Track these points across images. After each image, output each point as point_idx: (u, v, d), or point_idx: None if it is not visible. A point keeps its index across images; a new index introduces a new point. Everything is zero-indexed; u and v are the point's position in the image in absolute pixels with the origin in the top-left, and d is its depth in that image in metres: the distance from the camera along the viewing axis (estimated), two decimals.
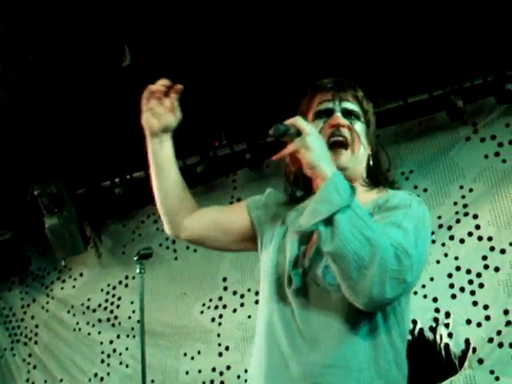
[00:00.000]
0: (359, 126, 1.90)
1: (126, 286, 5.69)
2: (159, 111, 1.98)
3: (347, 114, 1.89)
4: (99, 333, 5.67)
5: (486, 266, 4.43)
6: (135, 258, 3.93)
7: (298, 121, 1.70)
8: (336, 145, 1.85)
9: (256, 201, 2.05)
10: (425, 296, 4.52)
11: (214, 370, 5.09)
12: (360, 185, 1.89)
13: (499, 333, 4.26)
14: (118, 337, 5.60)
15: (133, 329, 5.45)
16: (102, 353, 5.61)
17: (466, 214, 4.60)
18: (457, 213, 4.62)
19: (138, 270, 3.86)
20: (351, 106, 1.91)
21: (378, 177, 1.94)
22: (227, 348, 5.03)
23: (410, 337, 4.44)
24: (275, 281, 1.83)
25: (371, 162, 1.94)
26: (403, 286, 1.62)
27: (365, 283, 1.56)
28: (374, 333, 1.71)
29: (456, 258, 4.54)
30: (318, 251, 1.74)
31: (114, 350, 5.57)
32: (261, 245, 1.97)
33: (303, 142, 1.66)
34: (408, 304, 1.83)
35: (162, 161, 2.01)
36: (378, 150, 1.99)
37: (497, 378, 4.20)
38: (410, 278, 1.61)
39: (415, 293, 4.52)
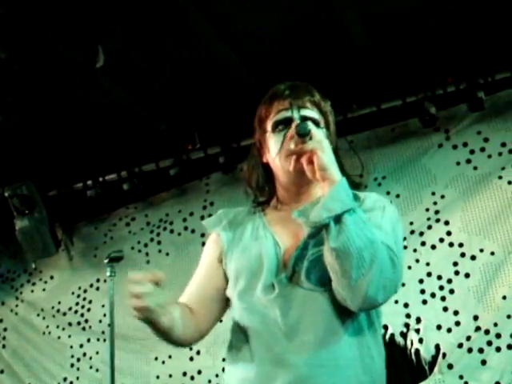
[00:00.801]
0: (320, 133, 1.88)
1: (98, 289, 5.63)
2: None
3: (305, 121, 1.88)
4: (69, 336, 5.61)
5: (457, 272, 4.47)
6: (106, 261, 3.90)
7: (310, 125, 1.78)
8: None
9: (225, 229, 1.98)
10: (396, 301, 4.54)
11: (184, 374, 5.06)
12: None
13: (469, 338, 4.30)
14: (89, 340, 5.54)
15: (103, 332, 5.40)
16: (72, 357, 5.55)
17: (438, 221, 4.63)
18: (428, 219, 4.66)
19: (108, 273, 3.84)
20: (309, 113, 1.89)
21: None
22: (198, 352, 5.00)
23: None
24: (253, 288, 1.83)
25: None
26: (394, 290, 1.72)
27: (362, 283, 1.63)
28: (359, 330, 1.77)
29: (427, 264, 4.57)
30: (299, 255, 1.79)
31: (84, 354, 5.52)
32: (225, 258, 1.94)
33: (320, 144, 1.73)
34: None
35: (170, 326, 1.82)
36: (338, 148, 1.99)
37: (466, 383, 4.24)
38: (400, 281, 1.72)
39: None
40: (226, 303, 1.95)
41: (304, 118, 1.86)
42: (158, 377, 5.16)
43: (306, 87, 1.94)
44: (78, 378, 5.47)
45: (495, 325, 4.26)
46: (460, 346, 4.31)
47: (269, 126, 1.91)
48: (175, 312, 1.81)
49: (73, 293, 5.72)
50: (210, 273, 1.96)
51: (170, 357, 5.13)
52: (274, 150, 1.88)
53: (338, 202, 1.66)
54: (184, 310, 1.88)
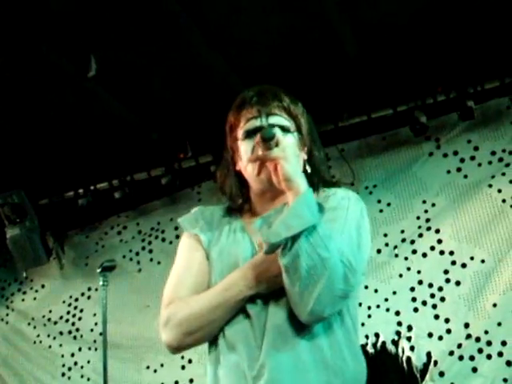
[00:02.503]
0: (289, 138, 1.87)
1: (89, 297, 5.61)
2: None
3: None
4: (60, 345, 5.58)
5: (448, 280, 4.48)
6: (98, 271, 3.90)
7: (277, 131, 1.78)
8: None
9: (203, 230, 1.95)
10: (387, 309, 4.56)
11: (176, 383, 5.05)
12: None
13: (460, 346, 4.31)
14: (80, 349, 5.51)
15: (95, 341, 5.38)
16: (63, 366, 5.51)
17: (429, 229, 4.65)
18: (419, 227, 4.68)
19: (101, 283, 3.83)
20: (278, 120, 1.88)
21: (313, 180, 1.92)
22: (190, 361, 4.99)
23: (372, 350, 4.48)
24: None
25: (307, 168, 1.93)
26: (344, 302, 1.71)
27: (307, 300, 1.64)
28: (330, 332, 1.75)
29: (418, 272, 4.58)
30: None
31: (76, 363, 5.48)
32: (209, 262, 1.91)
33: (284, 153, 1.73)
34: (358, 295, 1.88)
35: None
36: (312, 150, 1.97)
37: None
38: (353, 292, 1.72)
39: (378, 306, 4.57)
40: None
41: (273, 126, 1.84)
42: None
43: (274, 92, 1.92)
44: None
45: (486, 332, 4.27)
46: (451, 353, 4.32)
47: (239, 134, 1.91)
48: None
49: (64, 302, 5.69)
50: (204, 269, 1.89)
51: (161, 365, 5.12)
52: (245, 158, 1.88)
53: (298, 218, 1.65)
54: None
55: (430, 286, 4.52)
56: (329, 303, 1.65)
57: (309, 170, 1.92)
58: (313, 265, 1.63)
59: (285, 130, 1.87)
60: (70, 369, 5.48)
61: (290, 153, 1.74)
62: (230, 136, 1.96)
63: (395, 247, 4.68)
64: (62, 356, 5.54)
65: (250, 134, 1.87)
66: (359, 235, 1.79)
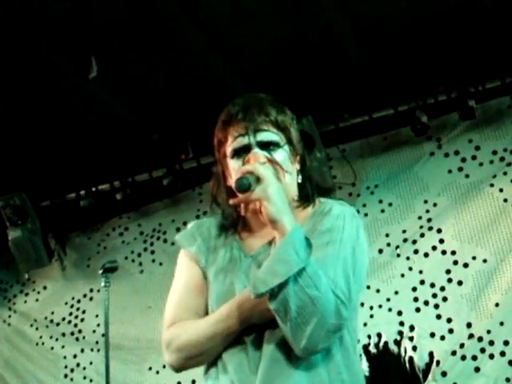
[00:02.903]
0: (280, 153, 1.82)
1: (91, 299, 5.62)
2: None
3: (264, 145, 1.81)
4: (63, 347, 5.58)
5: (450, 280, 4.49)
6: (100, 272, 3.89)
7: (257, 168, 1.69)
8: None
9: (201, 249, 1.91)
10: (389, 309, 4.56)
11: None
12: (293, 208, 1.80)
13: (462, 346, 4.32)
14: (82, 351, 5.51)
15: (97, 343, 5.38)
16: (66, 367, 5.51)
17: (430, 229, 4.65)
18: (421, 227, 4.67)
19: (102, 284, 3.83)
20: (266, 135, 1.81)
21: (307, 191, 1.88)
22: None
23: (374, 350, 4.48)
24: None
25: (299, 180, 1.88)
26: (338, 334, 1.68)
27: (300, 337, 1.61)
28: (329, 355, 1.71)
29: (420, 272, 4.58)
30: None
31: (78, 365, 5.49)
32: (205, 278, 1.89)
33: (265, 194, 1.65)
34: (357, 316, 1.84)
35: None
36: (305, 158, 1.93)
37: None
38: (345, 325, 1.68)
39: (380, 306, 4.57)
40: None
41: (261, 144, 1.80)
42: None
43: (260, 106, 1.84)
44: None
45: (488, 332, 4.27)
46: (453, 353, 4.32)
47: (228, 151, 1.84)
48: None
49: (66, 303, 5.70)
50: (202, 288, 1.86)
51: (164, 367, 5.10)
52: (235, 178, 1.79)
53: (285, 264, 1.59)
54: None
55: (432, 285, 4.52)
56: (322, 339, 1.62)
57: (299, 181, 1.87)
58: (303, 305, 1.59)
59: (273, 144, 1.82)
60: (72, 370, 5.48)
61: (274, 189, 1.66)
62: (219, 151, 1.89)
63: (397, 247, 4.68)
64: (65, 357, 5.55)
65: (238, 152, 1.82)
66: (355, 259, 1.74)
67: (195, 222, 2.00)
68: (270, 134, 1.82)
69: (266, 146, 1.81)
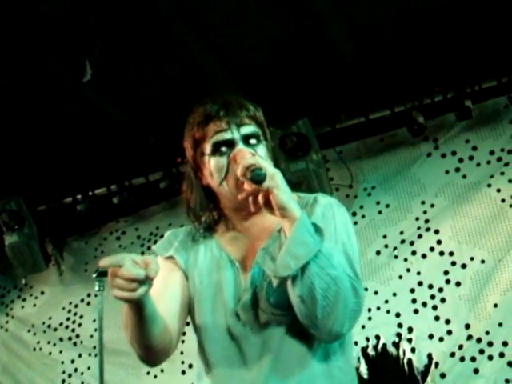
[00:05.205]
0: (262, 148, 1.85)
1: (88, 304, 5.60)
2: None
3: (248, 139, 1.82)
4: (60, 352, 5.57)
5: (448, 281, 4.47)
6: (94, 276, 3.86)
7: (258, 160, 1.69)
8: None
9: (179, 250, 1.94)
10: (388, 311, 4.55)
11: None
12: None
13: (461, 347, 4.30)
14: (80, 356, 5.50)
15: (95, 347, 5.34)
16: (63, 372, 5.50)
17: (428, 230, 4.64)
18: (419, 228, 4.66)
19: (96, 288, 3.80)
20: (249, 129, 1.83)
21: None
22: (190, 366, 4.96)
23: (373, 352, 4.47)
24: (216, 316, 1.82)
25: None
26: (359, 315, 1.69)
27: (328, 321, 1.61)
28: (330, 354, 1.74)
29: (418, 273, 4.57)
30: (257, 273, 1.77)
31: (76, 370, 5.47)
32: (190, 283, 1.90)
33: (275, 182, 1.64)
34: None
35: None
36: (275, 150, 1.94)
37: None
38: (363, 303, 1.68)
39: (378, 308, 4.56)
40: (185, 322, 1.92)
41: (245, 137, 1.81)
42: None
43: (239, 102, 1.86)
44: None
45: (487, 333, 4.26)
46: (452, 354, 4.31)
47: (207, 148, 1.83)
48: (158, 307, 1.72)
49: (63, 308, 5.69)
50: (180, 290, 1.87)
51: (162, 371, 5.10)
52: (218, 175, 1.81)
53: (303, 246, 1.60)
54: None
55: (430, 287, 4.51)
56: (347, 319, 1.63)
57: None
58: (326, 287, 1.59)
59: (256, 138, 1.83)
60: (70, 375, 5.47)
61: (280, 178, 1.66)
62: (194, 151, 1.88)
63: (394, 249, 4.67)
64: (62, 363, 5.54)
65: (218, 148, 1.81)
66: (350, 241, 1.78)
67: (171, 230, 2.03)
68: (252, 127, 1.84)
69: (249, 139, 1.82)
